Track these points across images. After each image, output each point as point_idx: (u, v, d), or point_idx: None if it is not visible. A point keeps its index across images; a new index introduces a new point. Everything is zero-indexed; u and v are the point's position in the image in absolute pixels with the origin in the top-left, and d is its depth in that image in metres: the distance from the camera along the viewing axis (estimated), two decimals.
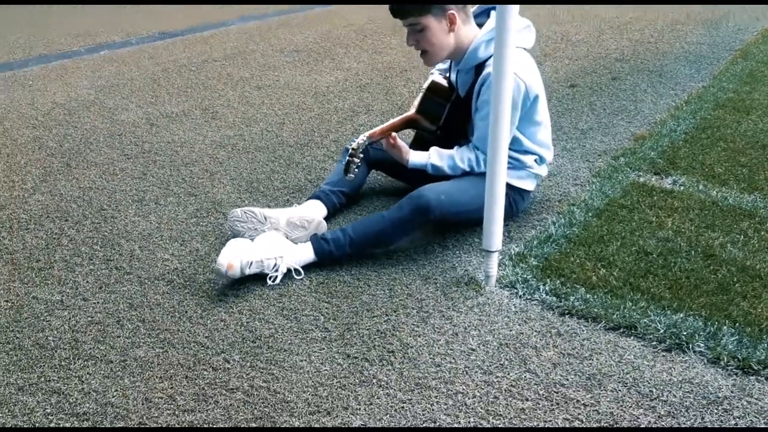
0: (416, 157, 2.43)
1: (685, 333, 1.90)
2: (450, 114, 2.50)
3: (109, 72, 4.71)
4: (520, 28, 2.36)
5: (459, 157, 2.40)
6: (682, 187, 2.80)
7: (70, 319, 2.04)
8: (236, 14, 6.76)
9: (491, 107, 1.97)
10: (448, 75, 2.57)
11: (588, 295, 2.08)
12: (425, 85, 2.56)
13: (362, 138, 2.33)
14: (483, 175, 2.12)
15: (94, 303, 2.12)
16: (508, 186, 2.43)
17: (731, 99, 3.88)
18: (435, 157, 2.42)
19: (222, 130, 3.56)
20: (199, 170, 3.07)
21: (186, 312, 2.06)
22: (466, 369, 1.81)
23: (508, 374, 1.79)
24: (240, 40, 5.65)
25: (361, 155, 2.35)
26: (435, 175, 2.43)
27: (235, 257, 2.12)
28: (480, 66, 2.35)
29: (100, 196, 2.84)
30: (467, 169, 2.40)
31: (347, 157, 2.32)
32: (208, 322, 2.02)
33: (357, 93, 4.13)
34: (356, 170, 2.34)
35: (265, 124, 3.64)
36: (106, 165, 3.14)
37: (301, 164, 3.12)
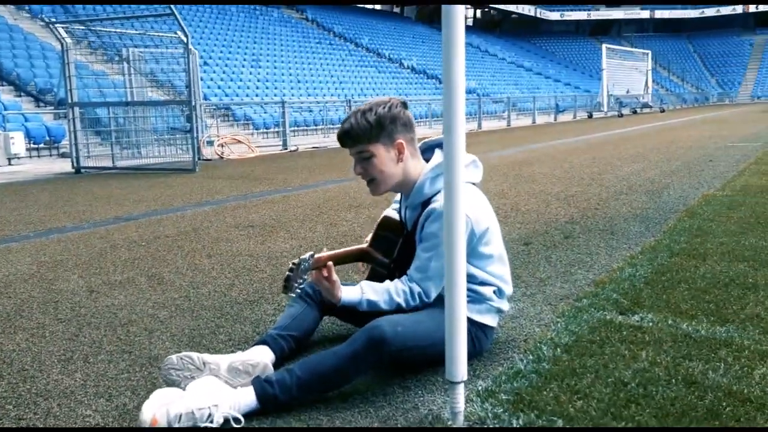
0: (348, 294, 2.24)
1: None
2: (402, 249, 2.40)
3: (54, 250, 4.57)
4: (466, 163, 2.35)
5: (394, 291, 2.25)
6: (650, 323, 2.67)
7: None
8: (193, 200, 6.83)
9: (440, 238, 1.88)
10: (399, 211, 2.50)
11: (567, 428, 1.85)
12: (378, 221, 2.48)
13: (307, 255, 2.17)
14: (439, 306, 1.97)
15: None
16: (470, 321, 2.27)
17: (685, 249, 3.89)
18: (369, 292, 2.24)
19: (167, 293, 3.37)
20: (137, 329, 2.83)
21: None
22: None
23: None
24: (195, 220, 5.64)
25: (305, 276, 2.17)
26: (370, 311, 2.25)
27: (160, 410, 1.86)
28: (426, 202, 2.30)
29: (23, 357, 2.56)
30: (402, 303, 2.23)
31: (287, 272, 2.14)
32: None
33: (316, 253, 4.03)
34: (297, 290, 2.14)
35: (213, 287, 3.47)
36: (35, 329, 2.89)
37: (250, 319, 2.92)
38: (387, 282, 2.29)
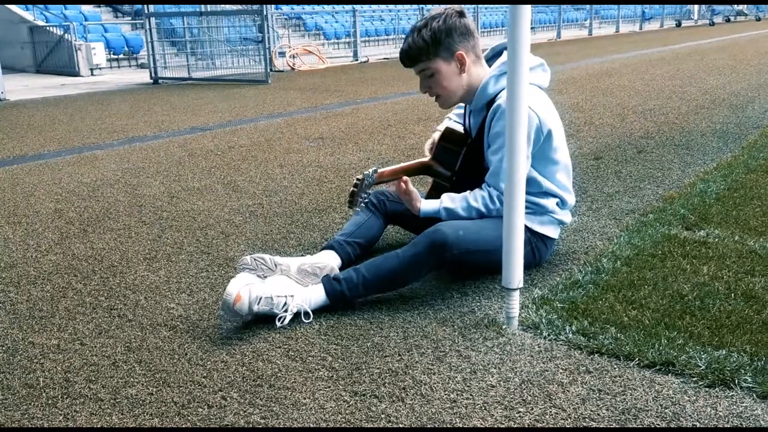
0: (428, 205, 2.33)
1: (729, 368, 1.71)
2: (465, 160, 2.44)
3: (137, 158, 4.81)
4: (533, 65, 2.33)
5: (472, 197, 2.30)
6: (716, 239, 2.65)
7: (64, 361, 1.92)
8: (266, 112, 6.97)
9: (505, 137, 1.89)
10: (463, 121, 2.52)
11: (619, 335, 1.91)
12: (439, 132, 2.52)
13: (370, 170, 2.26)
14: (502, 216, 2.01)
15: (91, 347, 2.00)
16: (531, 232, 2.33)
17: (762, 165, 3.76)
18: (447, 201, 2.32)
19: (242, 200, 3.54)
20: (214, 233, 3.02)
21: (186, 354, 1.94)
22: (485, 404, 1.63)
23: (532, 410, 1.61)
24: (267, 131, 5.78)
25: (369, 190, 2.26)
26: (450, 220, 2.32)
27: (244, 289, 2.01)
28: (490, 102, 2.30)
29: (112, 255, 2.79)
30: (482, 209, 2.28)
31: (351, 188, 2.24)
32: (208, 363, 1.88)
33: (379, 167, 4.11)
34: (362, 204, 2.25)
35: (284, 195, 3.62)
36: (122, 230, 3.11)
37: (318, 226, 3.06)
38: (466, 192, 2.34)
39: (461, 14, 2.29)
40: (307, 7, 21.11)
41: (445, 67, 2.28)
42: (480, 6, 21.10)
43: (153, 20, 11.16)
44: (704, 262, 2.41)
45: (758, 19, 32.85)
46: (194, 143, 5.31)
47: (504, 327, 2.01)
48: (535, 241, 2.37)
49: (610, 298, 2.15)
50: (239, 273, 2.17)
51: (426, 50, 2.26)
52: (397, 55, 2.40)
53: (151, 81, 11.14)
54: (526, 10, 1.78)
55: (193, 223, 3.18)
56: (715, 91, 7.19)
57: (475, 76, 2.31)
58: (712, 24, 29.00)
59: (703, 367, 1.73)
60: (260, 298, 2.01)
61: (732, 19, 32.62)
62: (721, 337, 1.87)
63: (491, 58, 2.39)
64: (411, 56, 2.29)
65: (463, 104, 2.49)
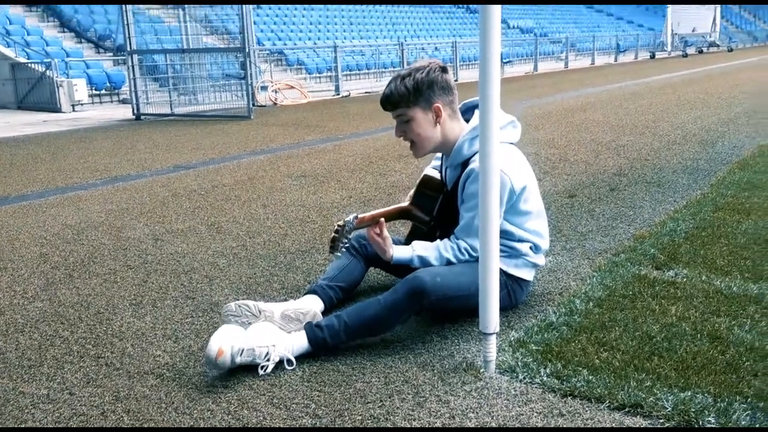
0: (400, 252, 2.42)
1: (693, 410, 1.80)
2: (442, 206, 2.54)
3: (121, 198, 4.87)
4: (503, 124, 2.45)
5: (443, 247, 2.40)
6: (684, 279, 2.76)
7: (54, 411, 1.97)
8: (249, 148, 7.06)
9: (479, 196, 1.99)
10: (440, 170, 2.63)
11: (591, 377, 2.00)
12: (419, 179, 2.62)
13: (351, 216, 2.35)
14: (476, 261, 2.11)
15: (80, 396, 2.05)
16: (506, 275, 2.42)
17: (730, 203, 3.90)
18: (419, 249, 2.41)
19: (225, 241, 3.61)
20: (198, 276, 3.08)
21: (173, 403, 1.99)
22: None
23: None
24: (250, 169, 5.87)
25: (349, 235, 2.35)
26: (422, 267, 2.41)
27: (226, 343, 2.07)
28: (466, 162, 2.42)
29: (98, 301, 2.84)
30: (452, 259, 2.39)
31: (332, 234, 2.33)
32: (195, 412, 1.94)
33: (360, 207, 4.21)
34: (343, 249, 2.34)
35: (268, 236, 3.69)
36: (107, 275, 3.16)
37: (301, 268, 3.13)
38: (437, 241, 2.45)
39: (444, 70, 2.42)
40: (289, 42, 21.40)
41: (422, 116, 2.40)
42: (458, 42, 21.50)
43: (136, 57, 11.27)
44: (672, 303, 2.51)
45: (730, 50, 33.74)
46: (177, 182, 5.38)
47: (482, 371, 2.09)
48: (510, 284, 2.46)
49: (583, 339, 2.24)
50: (222, 324, 2.24)
51: (407, 97, 2.37)
52: (378, 88, 2.51)
53: (134, 117, 11.21)
54: (495, 76, 1.90)
55: (178, 266, 3.24)
56: (687, 125, 7.41)
57: (450, 129, 2.43)
58: (685, 56, 29.76)
59: (670, 408, 1.82)
60: (242, 350, 2.08)
61: (705, 50, 33.48)
62: (687, 378, 1.96)
63: (465, 112, 2.51)
64: (392, 101, 2.40)
65: (440, 155, 2.60)
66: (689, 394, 1.88)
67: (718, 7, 38.07)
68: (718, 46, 36.07)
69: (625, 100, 10.91)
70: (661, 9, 37.91)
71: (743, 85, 12.68)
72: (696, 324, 2.32)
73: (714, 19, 37.28)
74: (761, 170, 4.76)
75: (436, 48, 23.48)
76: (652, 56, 30.05)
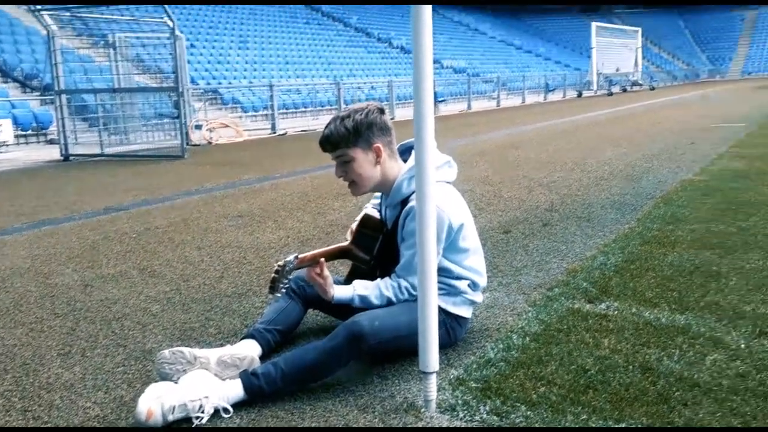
0: (341, 292, 2.42)
1: None
2: (382, 246, 2.55)
3: (48, 243, 4.69)
4: (439, 164, 2.49)
5: (384, 286, 2.42)
6: (615, 312, 2.84)
7: None
8: (182, 189, 6.94)
9: (417, 234, 2.02)
10: (380, 209, 2.65)
11: (529, 412, 2.02)
12: (358, 219, 2.63)
13: (291, 256, 2.33)
14: (415, 301, 2.12)
15: None
16: (445, 312, 2.44)
17: (656, 236, 4.06)
18: (360, 288, 2.42)
19: (159, 286, 3.52)
20: (130, 323, 2.98)
21: None
22: None
23: None
24: (184, 210, 5.76)
25: (289, 275, 2.33)
26: (363, 307, 2.41)
27: (155, 403, 2.01)
28: (405, 201, 2.45)
29: (24, 351, 2.70)
30: (393, 298, 2.40)
31: (272, 274, 2.30)
32: None
33: (298, 246, 4.18)
34: (283, 290, 2.31)
35: (203, 279, 3.61)
36: (34, 324, 3.03)
37: (238, 311, 3.07)
38: (378, 280, 2.45)
39: (382, 111, 2.47)
40: (224, 81, 21.32)
41: (362, 156, 2.42)
42: (394, 81, 21.88)
43: (64, 96, 11.00)
44: (605, 335, 2.58)
45: (652, 89, 35.52)
46: (108, 225, 5.23)
47: (423, 410, 2.08)
48: (449, 321, 2.48)
49: (521, 375, 2.27)
50: (156, 370, 2.17)
51: (347, 138, 2.39)
52: (315, 126, 2.53)
53: (62, 158, 10.89)
54: (429, 121, 1.94)
55: (109, 313, 3.13)
56: (613, 162, 7.71)
57: (389, 169, 2.46)
58: (610, 94, 31.12)
59: None
60: (173, 408, 2.01)
61: (628, 89, 35.12)
62: (621, 410, 2.01)
63: (403, 152, 2.55)
64: (332, 141, 2.42)
65: (379, 194, 2.62)
66: (623, 426, 1.92)
67: (640, 48, 40.13)
68: (640, 85, 37.95)
69: (555, 137, 11.29)
70: (586, 50, 39.63)
71: (665, 122, 13.32)
72: (628, 356, 2.39)
73: (636, 60, 39.28)
74: (684, 204, 4.98)
75: (372, 87, 23.84)
76: (579, 95, 31.32)
